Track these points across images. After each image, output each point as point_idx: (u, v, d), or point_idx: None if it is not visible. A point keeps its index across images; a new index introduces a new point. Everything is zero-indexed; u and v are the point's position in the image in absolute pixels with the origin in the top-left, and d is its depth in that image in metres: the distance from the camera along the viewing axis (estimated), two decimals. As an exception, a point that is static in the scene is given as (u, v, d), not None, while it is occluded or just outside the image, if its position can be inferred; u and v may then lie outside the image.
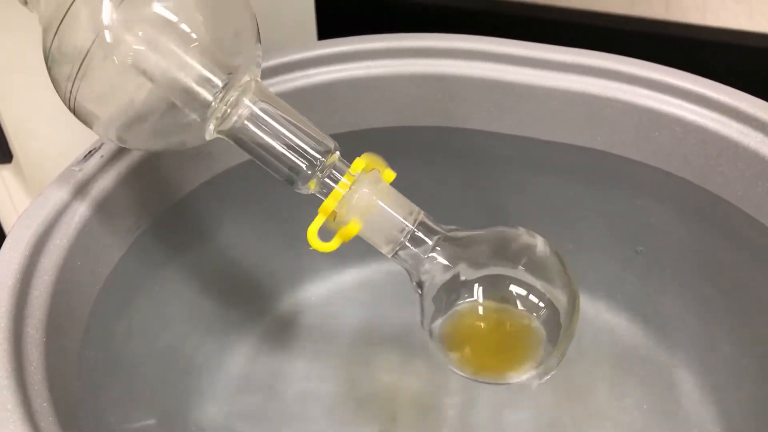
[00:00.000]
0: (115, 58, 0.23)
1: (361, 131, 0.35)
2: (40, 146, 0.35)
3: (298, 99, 0.33)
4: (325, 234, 0.25)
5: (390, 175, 0.25)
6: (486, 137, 0.34)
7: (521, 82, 0.33)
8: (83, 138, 0.29)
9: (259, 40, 0.26)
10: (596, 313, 0.36)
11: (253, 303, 0.37)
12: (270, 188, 0.31)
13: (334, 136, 0.25)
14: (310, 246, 0.24)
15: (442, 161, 0.36)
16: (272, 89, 0.33)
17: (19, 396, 0.21)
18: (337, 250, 0.38)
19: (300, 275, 0.39)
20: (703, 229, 0.32)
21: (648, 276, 0.35)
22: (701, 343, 0.34)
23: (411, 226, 0.25)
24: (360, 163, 0.25)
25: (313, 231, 0.24)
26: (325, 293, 0.39)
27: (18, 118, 0.34)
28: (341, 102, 0.34)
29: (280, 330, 0.37)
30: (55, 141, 0.35)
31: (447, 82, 0.33)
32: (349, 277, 0.39)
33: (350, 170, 0.25)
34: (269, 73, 0.33)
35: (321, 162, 0.24)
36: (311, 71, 0.34)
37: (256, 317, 0.37)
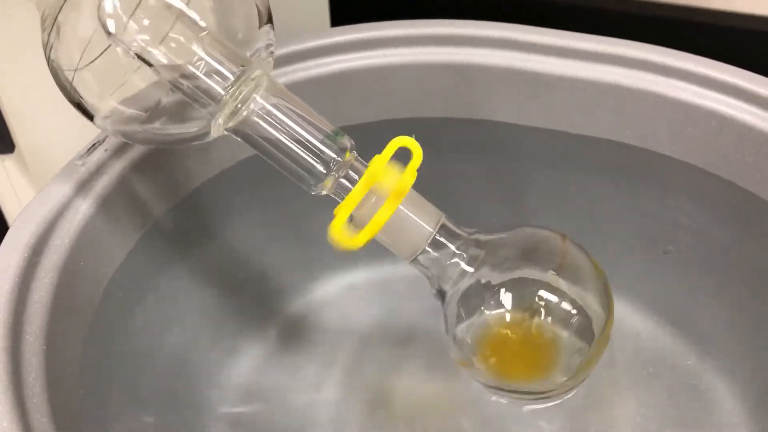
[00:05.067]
0: (118, 48, 0.22)
1: (377, 122, 0.34)
2: (43, 136, 0.35)
3: (311, 88, 0.32)
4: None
5: (411, 176, 0.23)
6: (509, 130, 0.33)
7: (547, 72, 0.31)
8: (87, 128, 0.28)
9: (272, 28, 0.24)
10: (623, 316, 0.35)
11: (262, 303, 0.36)
12: (280, 184, 0.30)
13: (349, 128, 0.24)
14: (334, 242, 0.23)
15: (463, 155, 0.35)
16: (285, 78, 0.32)
17: (16, 411, 0.20)
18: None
19: (311, 273, 0.38)
20: (738, 229, 0.31)
21: (678, 278, 0.34)
22: (733, 350, 0.33)
23: (432, 231, 0.24)
24: (378, 162, 0.23)
25: (338, 226, 0.23)
26: (336, 292, 0.38)
27: (20, 107, 0.33)
28: (357, 92, 0.33)
29: (291, 330, 0.36)
30: (58, 130, 0.34)
31: (468, 72, 0.32)
32: (363, 275, 0.38)
33: (368, 170, 0.23)
34: (281, 61, 0.32)
35: (336, 162, 0.23)
36: (325, 60, 0.32)
37: (266, 317, 0.36)
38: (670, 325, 0.35)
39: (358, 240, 0.23)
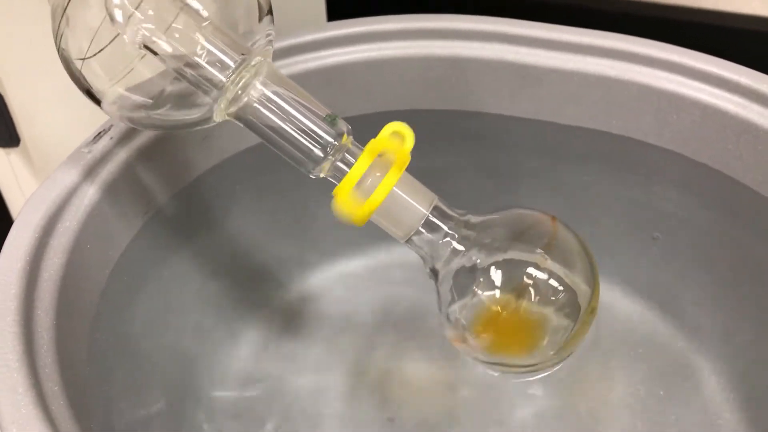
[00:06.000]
0: (125, 37, 0.23)
1: (372, 114, 0.34)
2: (48, 130, 0.35)
3: (308, 81, 0.33)
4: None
5: (405, 158, 0.24)
6: (501, 121, 0.34)
7: (537, 64, 0.32)
8: (91, 121, 0.29)
9: (272, 20, 0.25)
10: (612, 299, 0.36)
11: (263, 288, 0.37)
12: (280, 173, 0.31)
13: (346, 119, 0.25)
14: (338, 212, 0.24)
15: (456, 146, 0.36)
16: (282, 71, 0.32)
17: (30, 379, 0.21)
18: (347, 234, 0.38)
19: (309, 260, 0.38)
20: (722, 215, 0.32)
21: (665, 262, 0.35)
22: (719, 331, 0.34)
23: (425, 212, 0.25)
24: (374, 145, 0.24)
25: (345, 192, 0.23)
26: (335, 279, 0.38)
27: (25, 101, 0.34)
28: (353, 84, 0.34)
29: (290, 315, 0.37)
30: (62, 124, 0.35)
31: (461, 65, 0.33)
32: (360, 261, 0.39)
33: (364, 153, 0.24)
34: (279, 54, 0.32)
35: (333, 146, 0.24)
36: (322, 53, 0.33)
37: (266, 302, 0.37)
38: (659, 308, 0.36)
39: (363, 210, 0.23)
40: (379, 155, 0.24)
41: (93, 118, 0.27)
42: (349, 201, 0.24)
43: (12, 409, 0.20)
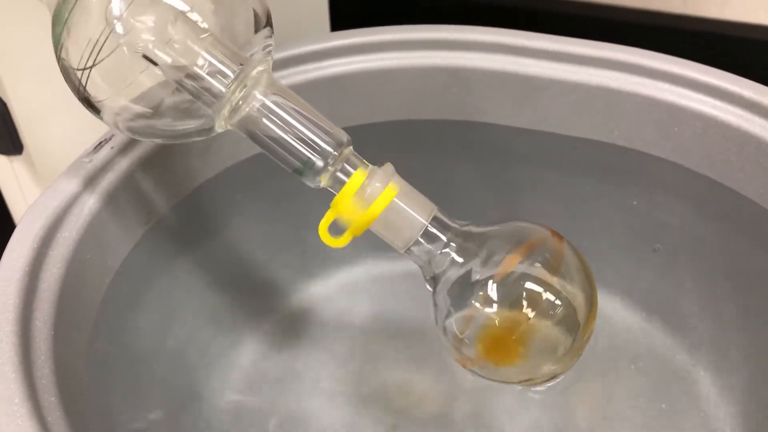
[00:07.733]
0: (125, 48, 0.23)
1: (374, 124, 0.35)
2: (51, 137, 0.35)
3: (310, 91, 0.33)
4: (337, 228, 0.25)
5: (390, 193, 0.24)
6: (502, 131, 0.34)
7: (539, 75, 0.32)
8: (94, 129, 0.29)
9: (271, 30, 0.25)
10: (612, 311, 0.36)
11: (263, 297, 0.37)
12: (280, 182, 0.31)
13: (347, 129, 0.25)
14: (322, 241, 0.24)
15: (456, 156, 0.36)
16: (284, 81, 0.33)
17: (26, 390, 0.21)
18: (349, 243, 0.38)
19: (310, 269, 0.38)
20: (723, 227, 0.32)
21: (666, 274, 0.35)
22: (720, 344, 0.33)
23: (425, 222, 0.24)
24: (357, 178, 0.24)
25: (324, 226, 0.24)
26: (336, 288, 0.38)
27: (29, 109, 0.34)
28: (354, 94, 0.34)
29: (291, 325, 0.37)
30: (66, 132, 0.35)
31: (462, 75, 0.33)
32: (361, 271, 0.39)
33: (363, 164, 0.24)
34: (281, 64, 0.33)
35: (333, 156, 0.24)
36: (324, 63, 0.33)
37: (266, 312, 0.37)
38: (659, 321, 0.36)
39: (341, 240, 0.24)
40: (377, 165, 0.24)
41: (96, 125, 0.27)
42: (351, 208, 0.24)
43: (7, 420, 0.20)
